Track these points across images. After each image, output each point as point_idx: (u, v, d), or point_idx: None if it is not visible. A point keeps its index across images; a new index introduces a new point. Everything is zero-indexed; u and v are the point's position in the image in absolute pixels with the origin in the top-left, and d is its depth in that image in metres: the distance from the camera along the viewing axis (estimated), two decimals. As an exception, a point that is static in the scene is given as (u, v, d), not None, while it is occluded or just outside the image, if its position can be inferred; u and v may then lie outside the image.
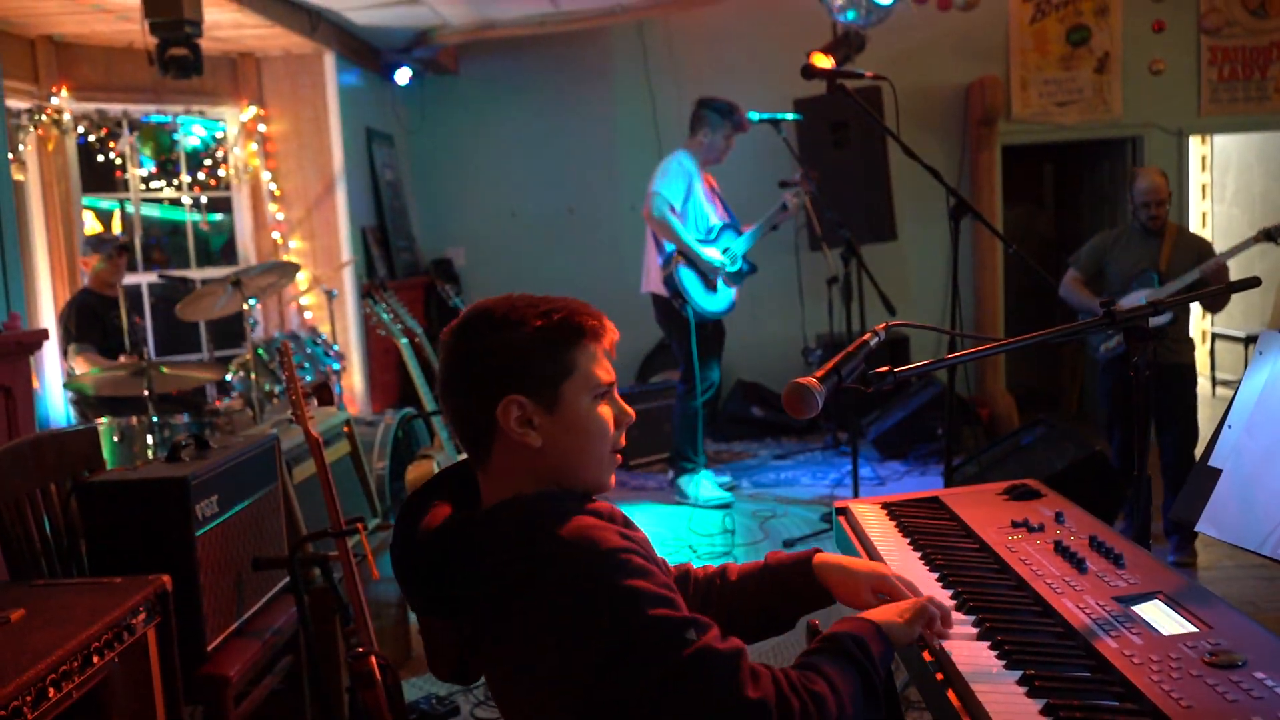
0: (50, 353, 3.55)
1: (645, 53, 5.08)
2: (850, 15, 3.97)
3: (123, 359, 3.09)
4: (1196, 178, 5.49)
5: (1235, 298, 3.46)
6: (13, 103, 3.55)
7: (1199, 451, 1.81)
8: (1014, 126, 4.89)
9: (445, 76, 5.16)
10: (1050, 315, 5.32)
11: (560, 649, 0.87)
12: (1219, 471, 1.24)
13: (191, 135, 4.24)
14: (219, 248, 4.50)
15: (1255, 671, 0.91)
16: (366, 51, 4.69)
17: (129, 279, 3.73)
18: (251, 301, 3.29)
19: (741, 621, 1.10)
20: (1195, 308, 3.27)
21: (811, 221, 3.86)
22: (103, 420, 2.85)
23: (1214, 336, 5.49)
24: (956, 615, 1.08)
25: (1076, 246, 5.52)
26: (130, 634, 1.41)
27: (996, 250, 4.81)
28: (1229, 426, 1.26)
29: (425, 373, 2.97)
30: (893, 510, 1.50)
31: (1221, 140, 5.54)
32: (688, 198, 3.56)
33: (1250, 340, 4.94)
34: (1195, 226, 5.38)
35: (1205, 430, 2.01)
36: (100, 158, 3.95)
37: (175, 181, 4.22)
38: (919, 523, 1.44)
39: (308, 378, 3.31)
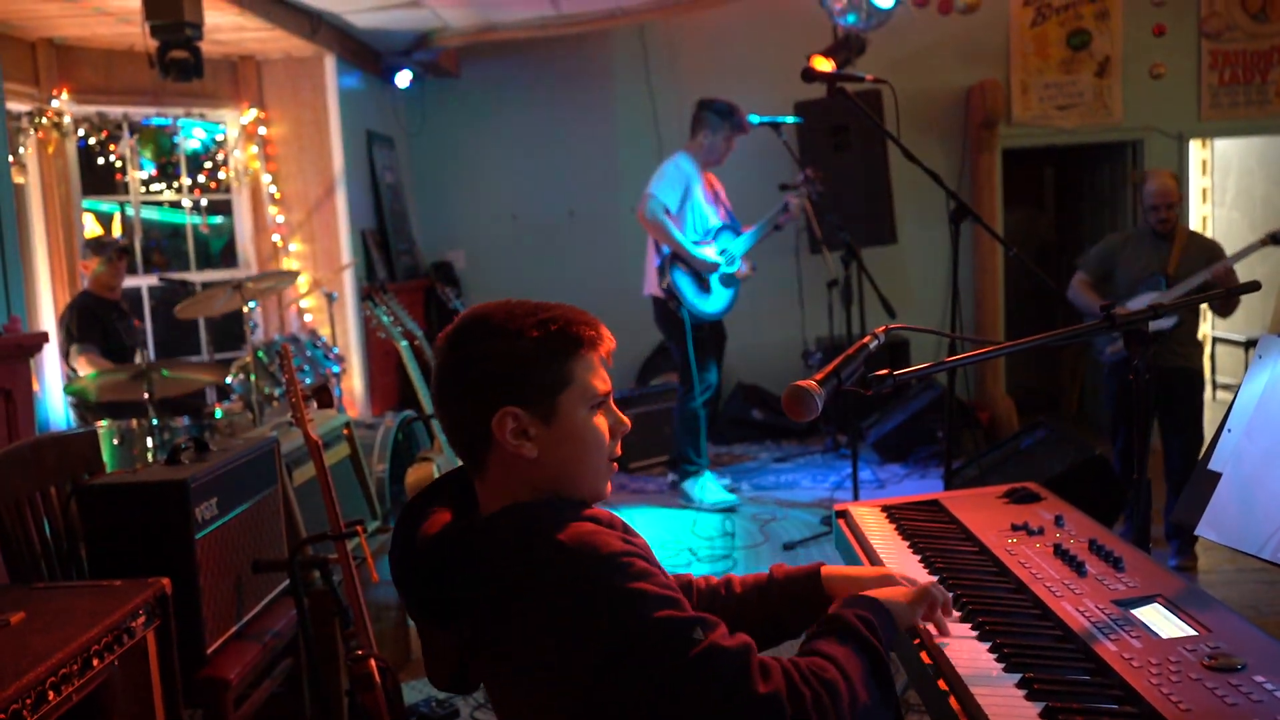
0: (50, 356, 3.55)
1: (646, 56, 5.09)
2: (851, 18, 3.98)
3: (139, 359, 3.08)
4: (1197, 182, 5.50)
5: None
6: (13, 105, 3.56)
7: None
8: (1014, 130, 4.89)
9: (446, 79, 5.17)
10: (1050, 318, 5.32)
11: (559, 650, 0.87)
12: (1218, 475, 1.24)
13: (192, 138, 4.24)
14: (218, 250, 4.50)
15: (1255, 675, 0.91)
16: (367, 54, 4.70)
17: (129, 282, 3.73)
18: (251, 304, 3.29)
19: (746, 633, 1.10)
20: (1205, 312, 3.23)
21: (811, 224, 3.86)
22: (103, 423, 2.85)
23: (1214, 340, 5.48)
24: (955, 617, 1.08)
25: (1077, 250, 5.51)
26: (130, 637, 1.40)
27: (997, 253, 4.81)
28: (1228, 430, 1.26)
29: (425, 375, 2.98)
30: (892, 513, 1.50)
31: (1222, 144, 5.55)
32: (685, 200, 3.56)
33: (1250, 344, 4.94)
34: (1195, 230, 5.38)
35: (1208, 435, 2.01)
36: (100, 160, 3.95)
37: (175, 184, 4.22)
38: (919, 526, 1.44)
39: (307, 380, 3.31)
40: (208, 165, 4.26)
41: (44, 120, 3.65)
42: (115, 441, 2.73)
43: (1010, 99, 4.87)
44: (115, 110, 3.94)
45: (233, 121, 4.26)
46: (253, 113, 4.24)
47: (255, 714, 1.74)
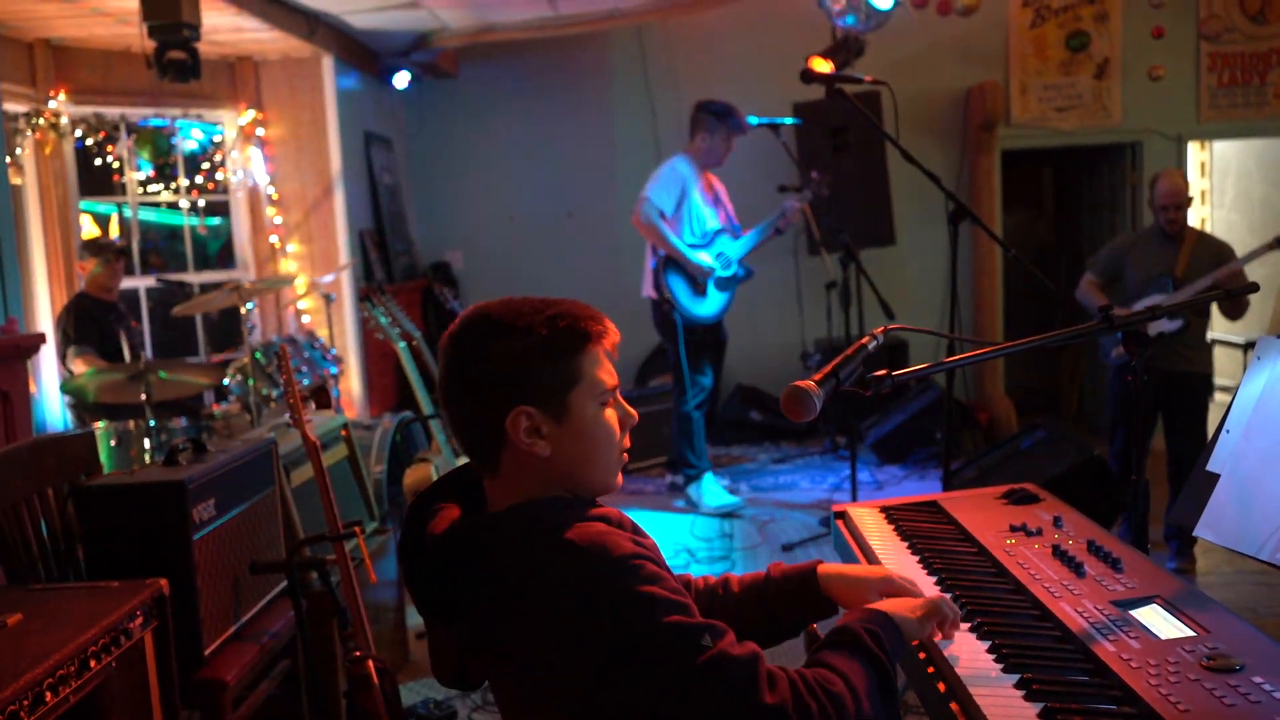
0: (47, 357, 3.54)
1: (644, 57, 5.09)
2: (849, 20, 3.98)
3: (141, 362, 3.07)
4: (1196, 183, 5.50)
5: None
6: (10, 106, 3.55)
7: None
8: (1013, 131, 4.90)
9: (444, 80, 5.17)
10: (1049, 320, 5.32)
11: (561, 650, 0.87)
12: (1217, 476, 1.24)
13: (189, 139, 4.24)
14: (215, 252, 4.50)
15: (1253, 676, 0.91)
16: (365, 55, 4.70)
17: (126, 283, 3.72)
18: (249, 305, 3.29)
19: (745, 632, 1.10)
20: (1215, 314, 3.20)
21: (810, 226, 3.86)
22: (100, 424, 2.85)
23: (1213, 342, 5.49)
24: (963, 629, 1.08)
25: (1076, 253, 5.51)
26: (127, 638, 1.40)
27: (995, 255, 4.81)
28: (1227, 431, 1.26)
29: (423, 377, 2.97)
30: (891, 514, 1.50)
31: (1221, 146, 5.55)
32: (682, 203, 3.55)
33: (1249, 346, 4.94)
34: (1205, 231, 5.37)
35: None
36: (98, 161, 3.95)
37: (173, 185, 4.22)
38: (917, 527, 1.44)
39: (305, 381, 3.31)
40: (205, 166, 4.25)
41: (41, 121, 3.64)
42: (112, 443, 2.72)
43: (1009, 100, 4.88)
44: (113, 111, 3.94)
45: (230, 122, 4.25)
46: (250, 113, 4.24)
47: (253, 715, 1.74)
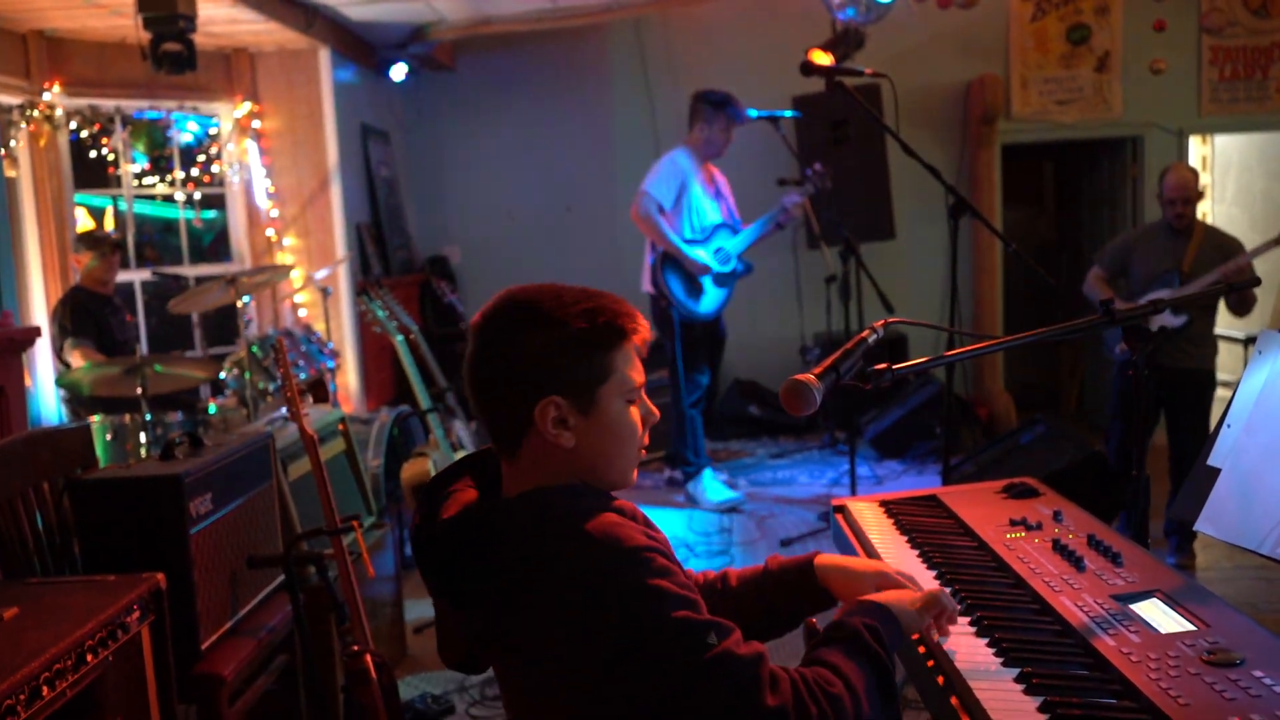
0: (42, 351, 3.53)
1: (643, 49, 5.07)
2: (850, 12, 3.96)
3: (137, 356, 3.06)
4: (1196, 177, 5.49)
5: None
6: (4, 98, 3.53)
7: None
8: (1014, 125, 4.88)
9: (441, 73, 5.14)
10: (1049, 316, 5.30)
11: (569, 642, 0.87)
12: (1218, 471, 1.24)
13: (185, 131, 4.21)
14: (208, 244, 4.48)
15: (1253, 670, 0.91)
16: (362, 47, 4.67)
17: (121, 276, 3.71)
18: (246, 299, 3.27)
19: (744, 626, 1.09)
20: (1222, 311, 3.15)
21: (810, 220, 3.85)
22: (95, 418, 2.84)
23: (1218, 338, 5.48)
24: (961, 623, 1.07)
25: (1076, 248, 5.49)
26: (124, 632, 1.40)
27: (995, 249, 4.81)
28: (1228, 425, 1.25)
29: (421, 370, 2.96)
30: (891, 508, 1.50)
31: (1222, 140, 5.54)
32: (681, 197, 3.53)
33: (1250, 341, 4.94)
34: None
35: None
36: (93, 154, 3.92)
37: (169, 178, 4.20)
38: (917, 521, 1.43)
39: (302, 375, 3.30)
40: (201, 159, 4.23)
41: (35, 113, 3.62)
42: (108, 437, 2.71)
43: (1010, 94, 4.86)
44: (107, 103, 3.91)
45: (226, 115, 4.23)
46: (246, 106, 4.21)
47: (250, 710, 1.74)
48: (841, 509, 1.52)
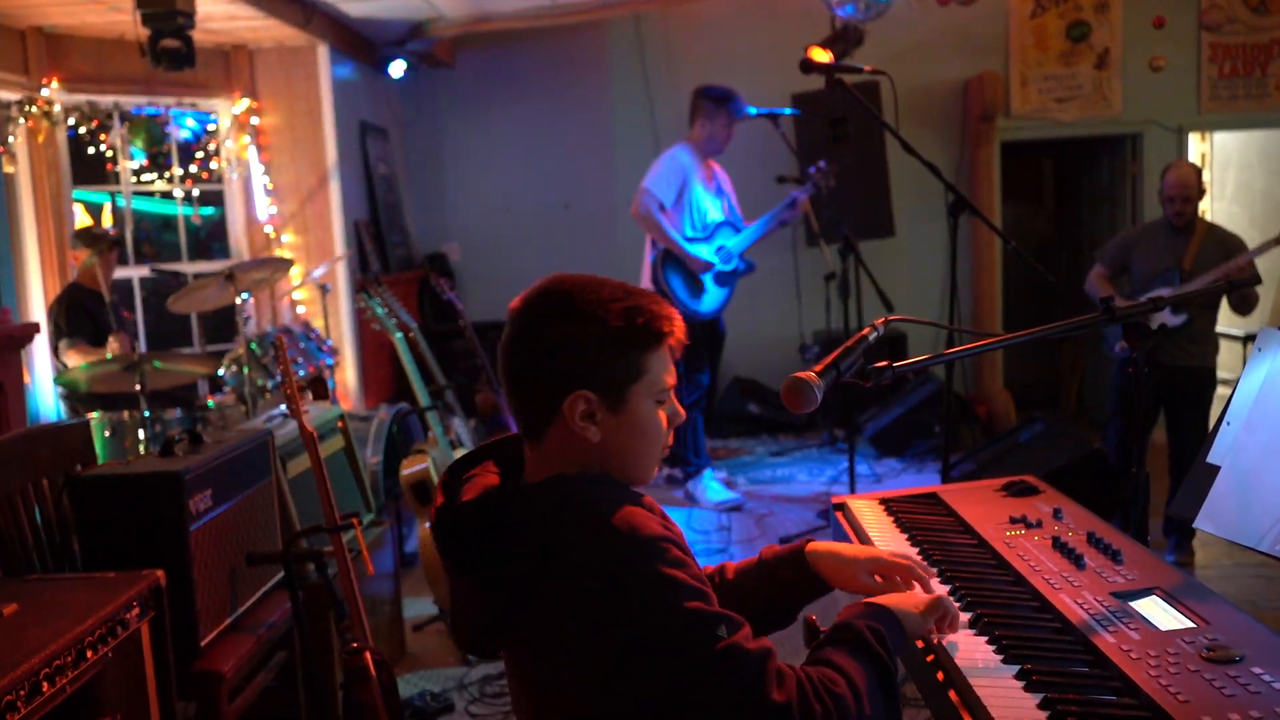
0: (41, 347, 3.52)
1: (642, 47, 5.06)
2: (849, 10, 3.96)
3: (112, 341, 3.05)
4: (1195, 175, 5.49)
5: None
6: (2, 94, 3.52)
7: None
8: (1013, 123, 4.88)
9: (440, 70, 5.13)
10: (1048, 314, 5.29)
11: (586, 631, 0.87)
12: (1217, 468, 1.24)
13: (183, 128, 4.20)
14: (211, 241, 4.47)
15: (1253, 667, 0.91)
16: (361, 44, 4.66)
17: (119, 272, 3.70)
18: (244, 296, 3.27)
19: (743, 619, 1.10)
20: (1224, 309, 3.14)
21: (809, 217, 3.84)
22: (94, 415, 2.83)
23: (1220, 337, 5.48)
24: (964, 620, 1.08)
25: (1076, 246, 5.48)
26: (124, 629, 1.39)
27: (995, 247, 4.81)
28: (1227, 423, 1.26)
29: (420, 368, 2.95)
30: (890, 506, 1.50)
31: (1222, 137, 5.54)
32: (682, 194, 3.51)
33: (1250, 339, 4.95)
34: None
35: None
36: (91, 150, 3.91)
37: (167, 174, 4.19)
38: (917, 518, 1.43)
39: (300, 373, 3.29)
40: (199, 155, 4.22)
41: (34, 109, 3.60)
42: (106, 434, 2.71)
43: (1009, 91, 4.86)
44: (106, 99, 3.90)
45: (225, 111, 4.22)
46: (245, 103, 4.20)
47: (249, 707, 1.74)
48: (842, 507, 1.52)
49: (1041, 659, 0.98)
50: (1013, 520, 1.36)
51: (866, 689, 0.91)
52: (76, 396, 3.14)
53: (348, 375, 4.37)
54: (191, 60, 3.14)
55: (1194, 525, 1.24)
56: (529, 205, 5.24)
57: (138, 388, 2.69)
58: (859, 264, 3.36)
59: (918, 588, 1.09)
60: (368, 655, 1.55)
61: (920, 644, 1.03)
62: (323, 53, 4.23)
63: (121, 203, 4.09)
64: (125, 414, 2.78)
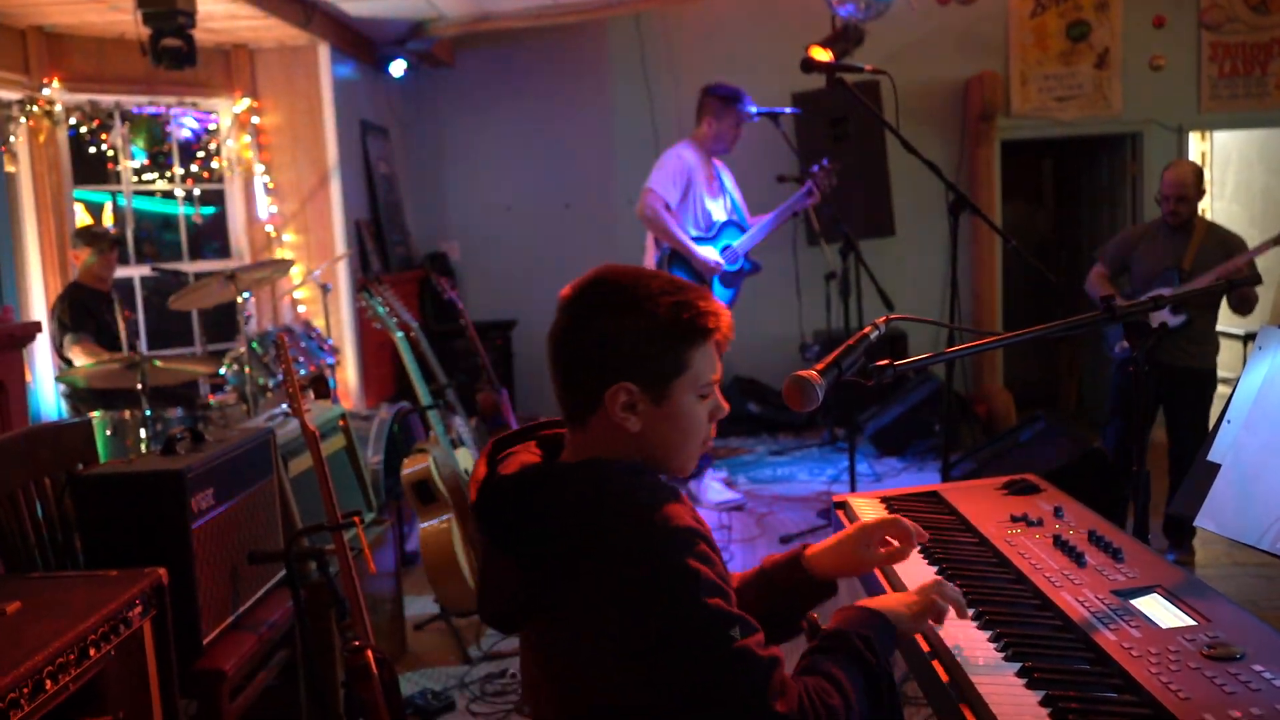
0: (42, 346, 3.53)
1: (642, 46, 5.06)
2: (849, 9, 3.96)
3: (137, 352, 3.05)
4: (1195, 174, 5.49)
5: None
6: (3, 94, 3.52)
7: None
8: (1013, 122, 4.88)
9: (441, 69, 5.13)
10: (1048, 313, 5.29)
11: (627, 620, 0.88)
12: (1217, 466, 1.24)
13: (184, 127, 4.20)
14: (210, 240, 4.47)
15: (1253, 664, 0.91)
16: (361, 43, 4.66)
17: (120, 272, 3.70)
18: (245, 295, 3.27)
19: None
20: (1224, 308, 3.14)
21: (810, 217, 3.84)
22: (95, 414, 2.83)
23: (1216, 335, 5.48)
24: (968, 615, 1.08)
25: (1076, 246, 5.49)
26: (126, 627, 1.40)
27: (995, 246, 4.81)
28: (1228, 421, 1.26)
29: (421, 367, 2.96)
30: (892, 504, 1.50)
31: (1222, 137, 5.54)
32: (686, 193, 3.50)
33: (1250, 337, 4.95)
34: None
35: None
36: (92, 149, 3.92)
37: (168, 174, 4.19)
38: (918, 517, 1.43)
39: (302, 371, 3.30)
40: (200, 155, 4.22)
41: (35, 108, 3.61)
42: (108, 432, 2.71)
43: (1009, 91, 4.86)
44: (107, 99, 3.90)
45: (225, 111, 4.22)
46: (246, 102, 4.20)
47: (251, 705, 1.74)
48: (843, 505, 1.52)
49: (1043, 657, 0.98)
50: (1014, 518, 1.37)
51: (856, 697, 0.94)
52: (78, 395, 3.14)
53: (349, 374, 4.37)
54: (192, 59, 3.14)
55: (1195, 523, 1.24)
56: (529, 205, 5.24)
57: (139, 386, 2.69)
58: (859, 263, 3.36)
59: (900, 527, 1.10)
60: (369, 653, 1.56)
61: (924, 645, 1.04)
62: (323, 52, 4.23)
63: (122, 202, 4.09)
64: (127, 413, 2.79)
